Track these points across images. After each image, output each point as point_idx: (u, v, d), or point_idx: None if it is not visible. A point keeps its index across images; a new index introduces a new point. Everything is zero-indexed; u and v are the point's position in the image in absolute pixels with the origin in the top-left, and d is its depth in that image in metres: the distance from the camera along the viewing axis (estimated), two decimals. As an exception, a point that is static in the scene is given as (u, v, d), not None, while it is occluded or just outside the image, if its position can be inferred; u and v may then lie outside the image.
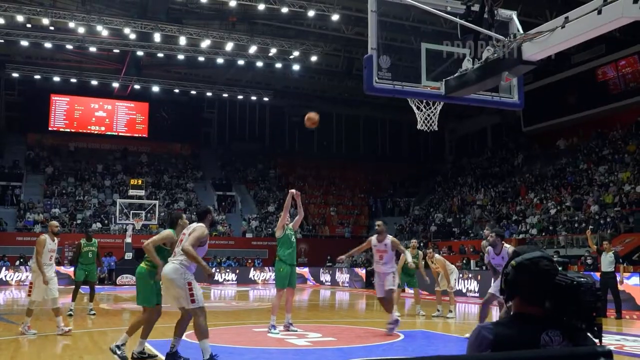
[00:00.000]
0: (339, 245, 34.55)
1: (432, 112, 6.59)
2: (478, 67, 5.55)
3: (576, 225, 24.69)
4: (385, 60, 5.90)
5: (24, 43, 30.91)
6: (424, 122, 6.60)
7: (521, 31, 5.60)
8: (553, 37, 4.99)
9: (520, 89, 6.20)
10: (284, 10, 27.23)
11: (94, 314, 14.07)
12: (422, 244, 31.57)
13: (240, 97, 40.89)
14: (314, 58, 32.63)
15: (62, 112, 40.16)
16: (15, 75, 36.29)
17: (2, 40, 30.65)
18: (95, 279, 14.95)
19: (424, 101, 6.52)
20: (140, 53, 32.87)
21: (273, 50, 31.83)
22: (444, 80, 5.90)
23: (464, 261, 25.93)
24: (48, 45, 31.50)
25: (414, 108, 6.61)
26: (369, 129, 47.37)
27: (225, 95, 40.64)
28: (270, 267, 33.69)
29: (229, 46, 31.03)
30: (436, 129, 6.58)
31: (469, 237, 29.69)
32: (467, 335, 8.66)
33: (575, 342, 2.22)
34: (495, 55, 5.39)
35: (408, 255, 13.09)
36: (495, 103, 6.29)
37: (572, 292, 2.21)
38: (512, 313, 2.36)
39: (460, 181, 37.64)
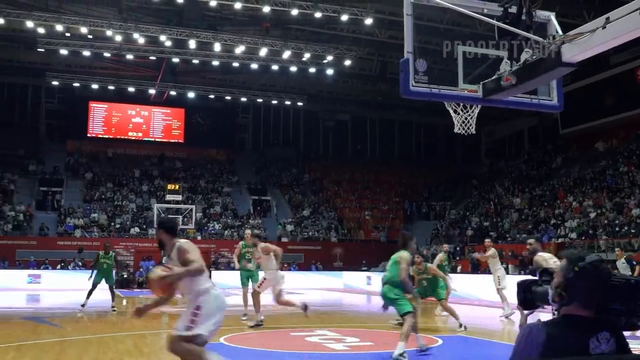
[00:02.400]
0: (375, 250, 34.54)
1: (469, 115, 6.55)
2: (516, 69, 5.50)
3: (617, 229, 24.21)
4: (422, 64, 5.89)
5: (64, 52, 31.59)
6: (461, 125, 6.56)
7: (560, 32, 5.53)
8: (594, 38, 4.92)
9: (559, 90, 6.12)
10: (318, 15, 27.33)
11: (114, 311, 15.61)
12: (457, 248, 31.33)
13: (274, 102, 41.12)
14: (347, 62, 32.66)
15: (100, 118, 40.90)
16: (55, 83, 37.10)
17: (43, 50, 31.35)
18: (112, 281, 16.87)
19: (461, 104, 6.49)
20: (175, 60, 33.32)
21: (307, 55, 31.94)
22: (481, 83, 5.86)
23: (503, 265, 25.57)
24: (86, 53, 32.15)
25: (451, 111, 6.57)
26: (403, 133, 47.21)
27: (259, 100, 40.92)
28: (305, 271, 33.78)
29: (263, 52, 31.24)
30: (474, 132, 6.53)
31: (507, 241, 29.30)
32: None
33: (622, 342, 2.20)
34: (534, 57, 5.34)
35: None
36: (534, 105, 6.23)
37: (631, 291, 2.19)
38: (561, 315, 2.33)
39: (496, 184, 37.21)
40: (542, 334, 2.18)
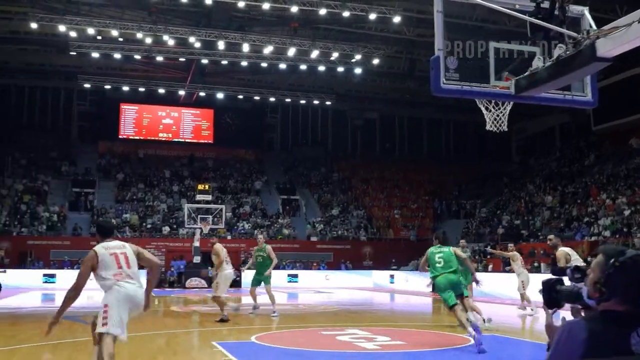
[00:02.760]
0: (404, 248, 34.43)
1: (501, 112, 6.48)
2: (549, 65, 5.42)
3: (652, 226, 23.76)
4: (452, 61, 5.84)
5: (95, 55, 32.04)
6: (493, 122, 6.50)
7: (594, 27, 5.44)
8: (630, 32, 4.82)
9: (593, 86, 6.03)
10: (346, 14, 27.32)
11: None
12: (488, 247, 31.01)
13: (302, 101, 41.21)
14: (375, 61, 32.55)
15: (131, 120, 41.42)
16: (86, 85, 37.66)
17: (74, 53, 31.83)
18: None
19: (493, 101, 6.42)
20: (204, 61, 33.57)
21: (335, 55, 31.94)
22: (513, 79, 5.79)
23: (535, 264, 25.30)
24: (117, 56, 32.59)
25: (483, 109, 6.51)
26: (432, 130, 46.96)
27: (288, 100, 41.03)
28: (334, 270, 33.83)
29: (291, 51, 31.32)
30: (506, 129, 6.47)
31: (539, 240, 28.94)
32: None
33: None
34: (568, 52, 5.26)
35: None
36: (567, 102, 6.14)
37: None
38: (599, 311, 2.29)
39: (527, 182, 36.78)
40: (584, 331, 2.15)
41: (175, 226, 35.22)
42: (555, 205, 31.38)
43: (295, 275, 32.63)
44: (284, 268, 33.54)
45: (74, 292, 5.97)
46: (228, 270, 13.62)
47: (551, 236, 12.24)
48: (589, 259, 21.90)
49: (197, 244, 30.29)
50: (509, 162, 43.94)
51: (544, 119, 39.97)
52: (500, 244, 30.23)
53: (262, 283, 14.63)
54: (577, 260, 10.48)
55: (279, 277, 31.39)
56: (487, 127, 6.52)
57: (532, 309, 14.95)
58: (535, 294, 15.81)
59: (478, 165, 44.39)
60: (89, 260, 6.08)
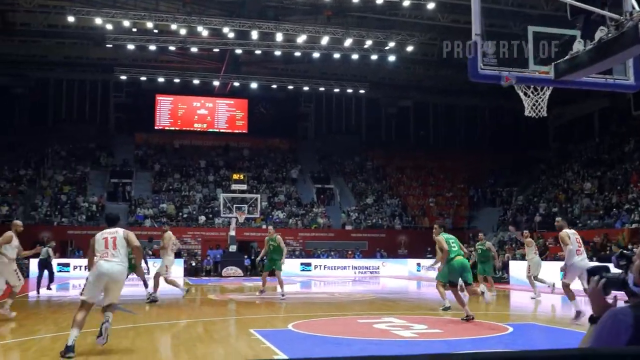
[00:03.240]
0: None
1: (540, 97, 6.37)
2: (590, 48, 5.31)
3: (696, 213, 23.17)
4: (490, 46, 5.76)
5: (130, 47, 32.43)
6: (531, 108, 6.40)
7: (637, 8, 5.30)
8: (675, 12, 4.69)
9: (636, 69, 5.88)
10: (379, 1, 27.17)
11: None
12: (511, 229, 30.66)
13: (336, 90, 41.12)
14: (409, 48, 32.28)
15: (166, 111, 41.86)
16: (122, 77, 38.17)
17: (111, 45, 32.27)
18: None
19: (532, 87, 6.32)
20: (238, 51, 33.71)
21: (368, 42, 31.77)
22: (553, 64, 5.69)
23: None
24: (152, 47, 32.94)
25: (521, 94, 6.42)
26: (467, 118, 46.48)
27: (321, 89, 40.99)
28: (369, 258, 33.82)
29: (325, 40, 31.24)
30: (545, 115, 6.36)
31: (577, 227, 28.45)
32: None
33: None
34: (610, 35, 5.14)
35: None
36: (608, 86, 6.00)
37: None
38: None
39: (565, 169, 36.17)
40: (630, 318, 2.11)
41: (211, 216, 35.57)
42: (594, 193, 30.82)
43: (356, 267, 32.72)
44: (318, 257, 33.67)
45: (88, 263, 8.54)
46: (170, 257, 15.69)
47: (559, 219, 12.98)
48: (630, 246, 21.51)
49: (232, 233, 30.57)
50: (546, 148, 43.21)
51: (582, 104, 39.18)
52: (537, 232, 29.87)
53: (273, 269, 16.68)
54: (573, 243, 11.51)
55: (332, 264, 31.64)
56: (526, 113, 6.42)
57: (534, 294, 16.53)
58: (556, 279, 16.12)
59: (514, 152, 43.77)
60: (91, 241, 8.38)
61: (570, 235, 11.61)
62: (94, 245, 8.21)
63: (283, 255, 16.43)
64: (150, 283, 15.61)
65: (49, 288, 18.94)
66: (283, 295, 16.22)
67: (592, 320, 2.36)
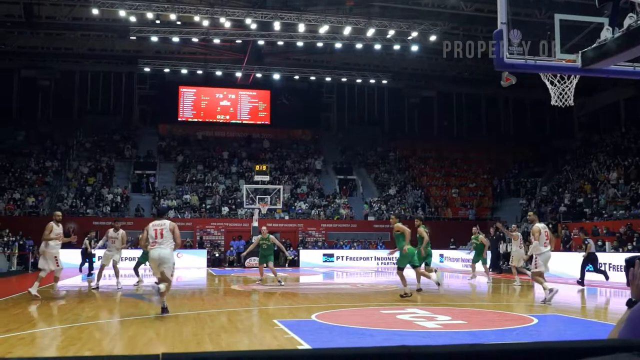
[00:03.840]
0: (463, 227, 33.98)
1: (567, 86, 6.28)
2: (619, 36, 5.22)
3: None
4: (516, 34, 5.69)
5: (154, 39, 32.62)
6: (558, 97, 6.31)
7: (667, -5, 5.20)
8: None
9: (666, 57, 5.77)
10: (402, -10, 26.93)
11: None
12: (550, 226, 30.33)
13: (358, 80, 41.01)
14: (432, 38, 32.02)
15: (189, 103, 42.09)
16: (146, 69, 38.45)
17: (134, 38, 32.49)
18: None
19: (558, 75, 6.23)
20: (261, 42, 33.73)
21: (391, 32, 31.58)
22: (580, 52, 5.61)
23: (599, 243, 24.62)
24: (175, 39, 33.10)
25: (547, 83, 6.33)
26: (491, 108, 46.10)
27: (343, 79, 40.89)
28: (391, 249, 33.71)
29: (347, 30, 31.13)
30: (572, 104, 6.27)
31: (603, 218, 28.16)
32: None
33: None
34: (639, 22, 5.05)
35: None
36: (638, 74, 5.90)
37: None
38: None
39: (590, 159, 35.70)
40: None
41: (234, 207, 35.74)
42: (620, 183, 30.40)
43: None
44: (341, 248, 33.68)
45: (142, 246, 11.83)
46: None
47: (530, 213, 14.61)
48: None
49: (255, 224, 30.68)
50: (571, 138, 42.70)
51: (607, 93, 38.63)
52: (562, 223, 29.59)
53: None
54: (542, 236, 13.05)
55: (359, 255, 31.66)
56: (553, 102, 6.34)
57: (515, 281, 18.02)
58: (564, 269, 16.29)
59: (539, 142, 43.34)
60: (144, 231, 10.76)
61: (541, 229, 13.10)
62: (146, 235, 10.69)
63: (285, 252, 19.14)
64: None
65: (89, 274, 19.33)
66: (280, 281, 18.03)
67: (630, 303, 2.36)
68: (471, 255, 21.34)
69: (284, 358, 1.83)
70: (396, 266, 14.72)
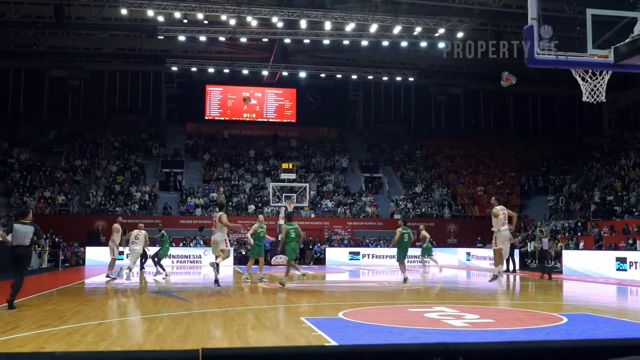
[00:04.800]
0: (490, 226, 33.68)
1: (599, 82, 6.19)
2: (653, 30, 5.13)
3: None
4: (547, 30, 5.63)
5: (181, 38, 32.90)
6: (589, 93, 6.22)
7: (703, -12, 5.10)
8: None
9: (701, 52, 5.65)
10: (428, -13, 26.77)
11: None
12: (579, 224, 29.94)
13: (385, 78, 40.87)
14: (460, 34, 31.78)
15: (216, 101, 42.35)
16: (174, 68, 38.81)
17: (162, 37, 32.79)
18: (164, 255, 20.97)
19: (590, 71, 6.15)
20: (287, 40, 33.82)
21: (418, 29, 31.42)
22: (612, 47, 5.52)
23: (629, 241, 24.25)
24: (202, 38, 33.33)
25: (579, 79, 6.25)
26: (519, 105, 45.65)
27: (370, 77, 40.80)
28: (416, 247, 33.53)
29: (373, 28, 31.06)
30: (604, 100, 6.18)
31: (633, 216, 27.70)
32: None
33: None
34: (674, 16, 4.95)
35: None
36: (672, 69, 5.79)
37: None
38: None
39: (621, 156, 35.14)
40: None
41: (260, 205, 35.87)
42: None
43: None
44: (367, 246, 33.61)
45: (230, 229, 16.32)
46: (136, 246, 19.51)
47: (493, 198, 17.21)
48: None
49: (282, 222, 30.72)
50: (601, 135, 42.07)
51: (638, 89, 37.97)
52: (592, 221, 29.16)
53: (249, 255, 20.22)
54: (500, 217, 15.31)
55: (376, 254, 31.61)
56: (584, 99, 6.25)
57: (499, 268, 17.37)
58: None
59: (567, 139, 42.77)
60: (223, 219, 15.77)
61: (499, 211, 15.40)
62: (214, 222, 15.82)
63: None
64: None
65: (142, 268, 22.35)
66: (263, 279, 18.69)
67: None
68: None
69: (326, 355, 1.83)
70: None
